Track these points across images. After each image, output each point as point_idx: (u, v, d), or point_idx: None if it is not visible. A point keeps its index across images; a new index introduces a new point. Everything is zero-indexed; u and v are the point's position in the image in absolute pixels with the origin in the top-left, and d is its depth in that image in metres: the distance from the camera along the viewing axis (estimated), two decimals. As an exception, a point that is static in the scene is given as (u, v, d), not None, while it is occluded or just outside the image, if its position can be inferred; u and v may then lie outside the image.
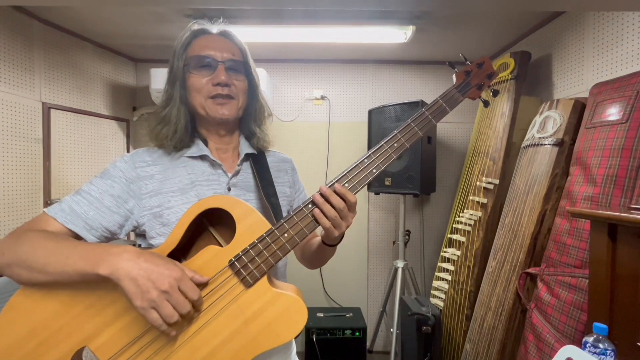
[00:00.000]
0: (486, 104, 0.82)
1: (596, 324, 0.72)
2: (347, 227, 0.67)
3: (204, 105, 0.74)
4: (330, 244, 0.74)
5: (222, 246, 0.64)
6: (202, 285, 0.60)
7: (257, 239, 0.62)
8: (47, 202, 1.81)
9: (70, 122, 1.95)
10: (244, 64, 0.78)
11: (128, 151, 2.37)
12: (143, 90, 2.39)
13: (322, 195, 0.64)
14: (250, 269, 0.62)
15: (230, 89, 0.75)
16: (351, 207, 0.65)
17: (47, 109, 1.81)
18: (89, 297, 0.59)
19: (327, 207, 0.63)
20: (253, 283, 0.62)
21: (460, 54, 0.83)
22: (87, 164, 2.06)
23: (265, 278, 0.62)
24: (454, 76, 0.77)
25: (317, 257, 0.82)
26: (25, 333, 0.57)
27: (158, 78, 2.05)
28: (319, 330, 1.98)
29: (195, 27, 0.77)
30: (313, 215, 0.64)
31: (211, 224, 0.68)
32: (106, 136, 2.20)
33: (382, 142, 0.68)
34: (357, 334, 2.00)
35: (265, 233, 0.63)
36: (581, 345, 0.72)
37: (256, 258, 0.62)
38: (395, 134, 0.69)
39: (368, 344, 2.27)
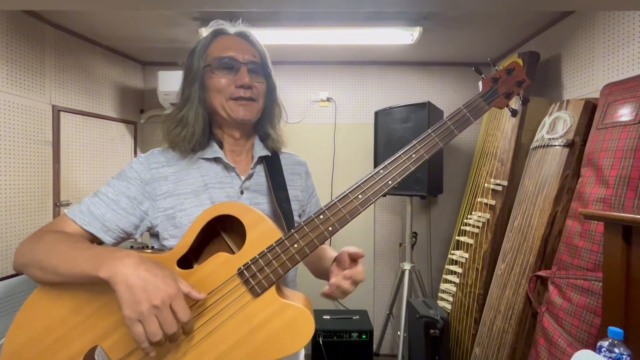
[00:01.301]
0: (514, 113, 0.74)
1: (611, 328, 0.70)
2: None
3: (225, 106, 0.74)
4: None
5: (233, 251, 0.64)
6: (207, 290, 0.60)
7: (266, 248, 0.62)
8: (57, 204, 1.83)
9: (79, 124, 1.97)
10: (264, 66, 0.78)
11: (135, 153, 2.39)
12: (150, 93, 2.41)
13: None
14: (259, 278, 0.61)
15: (252, 91, 0.74)
16: (358, 284, 0.68)
17: (57, 112, 1.83)
18: (103, 297, 0.59)
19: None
20: (261, 293, 0.61)
21: (488, 58, 0.78)
22: (95, 166, 2.08)
23: (273, 288, 0.62)
24: (480, 83, 0.70)
25: (322, 277, 0.82)
26: (43, 329, 0.59)
27: (165, 81, 2.07)
28: (326, 332, 1.97)
29: (215, 27, 0.78)
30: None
31: (224, 228, 0.68)
32: (114, 138, 2.22)
33: (400, 153, 0.64)
34: (364, 336, 1.99)
35: (275, 242, 0.62)
36: (595, 349, 0.71)
37: (265, 268, 0.61)
38: (414, 144, 0.64)
39: (375, 346, 2.26)
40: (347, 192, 0.63)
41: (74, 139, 1.94)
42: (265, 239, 0.62)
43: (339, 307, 2.40)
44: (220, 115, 0.75)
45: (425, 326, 1.66)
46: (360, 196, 0.63)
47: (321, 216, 0.62)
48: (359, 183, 0.64)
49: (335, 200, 0.63)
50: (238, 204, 0.65)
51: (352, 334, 1.98)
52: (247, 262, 0.61)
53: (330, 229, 0.62)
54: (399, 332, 2.01)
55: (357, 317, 2.14)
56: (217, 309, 0.61)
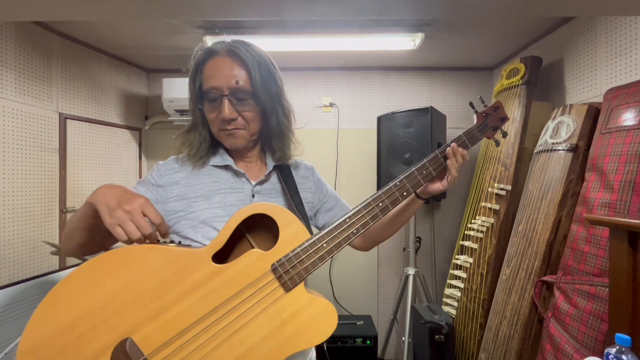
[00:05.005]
0: (497, 143, 0.93)
1: (619, 334, 0.70)
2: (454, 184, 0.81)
3: (217, 135, 0.80)
4: (426, 197, 0.84)
5: None
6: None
7: (298, 246, 0.67)
8: (63, 211, 1.84)
9: (85, 131, 2.00)
10: (252, 88, 0.74)
11: (140, 159, 2.41)
12: (155, 100, 2.44)
13: (452, 149, 0.79)
14: (292, 274, 0.66)
15: (237, 122, 0.75)
16: (464, 163, 0.80)
17: (63, 119, 1.85)
18: (134, 290, 0.60)
19: (453, 160, 0.78)
20: (292, 287, 0.65)
21: (478, 96, 0.95)
22: (100, 173, 2.10)
23: (302, 283, 0.66)
24: (474, 116, 0.88)
25: (396, 221, 0.90)
26: (68, 323, 0.57)
27: (170, 87, 2.09)
28: (330, 338, 1.95)
29: (206, 46, 0.77)
30: (438, 167, 0.79)
31: (247, 229, 0.71)
32: (119, 145, 2.24)
33: (413, 169, 0.77)
34: (368, 342, 1.98)
35: (306, 241, 0.67)
36: (602, 356, 0.71)
37: (297, 265, 0.66)
38: (425, 163, 0.79)
39: (379, 352, 2.24)
40: (369, 199, 0.73)
41: (80, 145, 1.96)
42: (297, 238, 0.67)
43: (342, 312, 2.39)
44: (218, 140, 0.82)
45: (430, 332, 1.65)
46: (380, 204, 0.73)
47: (347, 219, 0.70)
48: (379, 193, 0.74)
49: (360, 207, 0.72)
50: (272, 204, 0.68)
51: (356, 340, 1.97)
52: (281, 259, 0.66)
53: (354, 231, 0.71)
54: (403, 338, 2.00)
55: (361, 322, 2.13)
56: (251, 302, 0.64)
